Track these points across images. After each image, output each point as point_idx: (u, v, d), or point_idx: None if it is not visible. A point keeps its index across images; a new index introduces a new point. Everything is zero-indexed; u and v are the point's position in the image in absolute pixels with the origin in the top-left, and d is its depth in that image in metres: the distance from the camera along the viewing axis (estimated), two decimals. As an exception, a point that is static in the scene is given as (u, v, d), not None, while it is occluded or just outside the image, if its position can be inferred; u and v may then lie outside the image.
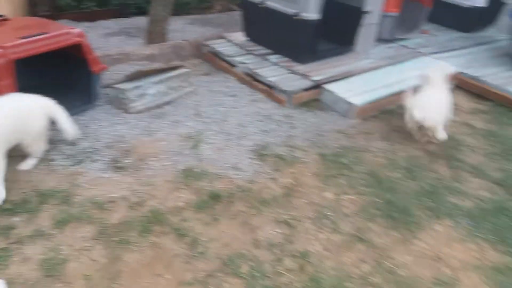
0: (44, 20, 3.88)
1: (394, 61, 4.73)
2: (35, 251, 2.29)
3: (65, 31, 3.40)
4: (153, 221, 2.55)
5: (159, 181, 2.90)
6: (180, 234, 2.49)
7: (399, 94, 4.01)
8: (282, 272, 2.33)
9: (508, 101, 4.30)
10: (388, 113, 4.08)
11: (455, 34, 5.77)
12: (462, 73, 4.63)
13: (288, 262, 2.39)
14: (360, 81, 4.22)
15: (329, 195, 2.95)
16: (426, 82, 3.62)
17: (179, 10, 6.68)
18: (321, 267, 2.38)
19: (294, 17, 4.09)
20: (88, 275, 2.19)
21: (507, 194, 3.13)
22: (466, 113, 4.25)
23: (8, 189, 2.60)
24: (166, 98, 3.86)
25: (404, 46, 5.17)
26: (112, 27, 5.93)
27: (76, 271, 2.21)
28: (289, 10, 4.14)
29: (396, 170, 3.27)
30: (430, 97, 3.50)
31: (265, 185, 2.98)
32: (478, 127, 4.01)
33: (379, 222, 2.75)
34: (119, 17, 6.43)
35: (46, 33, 3.29)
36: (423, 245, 2.62)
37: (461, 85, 4.63)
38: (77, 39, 3.40)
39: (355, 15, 4.40)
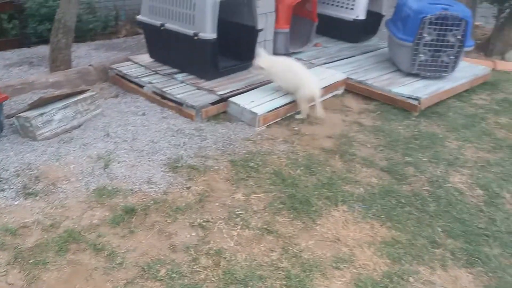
0: None
1: (291, 71, 5.20)
2: None
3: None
4: (69, 240, 2.61)
5: (72, 203, 2.96)
6: (97, 249, 2.58)
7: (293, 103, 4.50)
8: (199, 270, 2.53)
9: (391, 100, 4.95)
10: (288, 118, 4.49)
11: (344, 45, 6.45)
12: (350, 78, 5.23)
13: (204, 261, 2.60)
14: (261, 92, 4.59)
15: (239, 196, 3.22)
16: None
17: (83, 36, 6.65)
18: (234, 260, 2.62)
19: (195, 37, 4.37)
20: (4, 299, 2.20)
21: (393, 179, 3.64)
22: (356, 113, 4.82)
23: None
24: (74, 122, 3.89)
25: (298, 59, 5.67)
26: (12, 57, 5.78)
27: (-9, 298, 2.21)
28: (188, 31, 4.41)
29: (298, 168, 3.64)
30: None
31: (179, 194, 3.17)
32: (367, 124, 4.57)
33: (284, 214, 3.07)
34: (19, 47, 6.24)
35: None
36: (323, 230, 2.97)
37: (350, 88, 5.23)
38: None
39: (251, 33, 4.80)
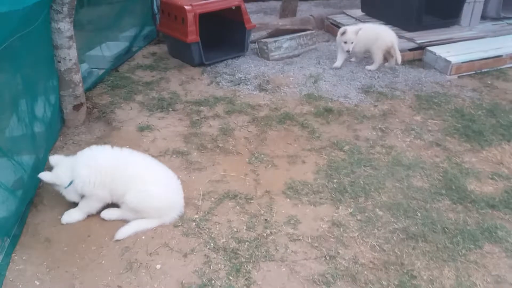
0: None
1: (496, 34, 5.29)
2: (215, 123, 3.68)
3: (229, -3, 4.83)
4: (286, 118, 3.77)
5: (289, 99, 4.12)
6: (303, 126, 3.66)
7: (494, 58, 4.70)
8: (373, 153, 3.34)
9: None
10: (483, 73, 4.73)
11: None
12: None
13: (379, 149, 3.40)
14: (459, 46, 4.93)
15: (418, 118, 3.85)
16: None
17: (306, -6, 7.90)
18: (403, 154, 3.33)
19: (405, -9, 4.98)
20: (247, 137, 3.49)
21: None
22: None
23: (192, 95, 4.07)
24: (296, 52, 5.07)
25: (510, 24, 5.65)
26: (252, 8, 7.39)
27: (240, 135, 3.53)
28: (400, -14, 5.05)
29: (480, 110, 3.99)
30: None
31: (367, 108, 4.00)
32: None
33: (455, 137, 3.57)
34: (256, 1, 7.91)
35: (215, -1, 4.75)
36: (489, 154, 3.37)
37: None
38: (238, 2, 4.79)
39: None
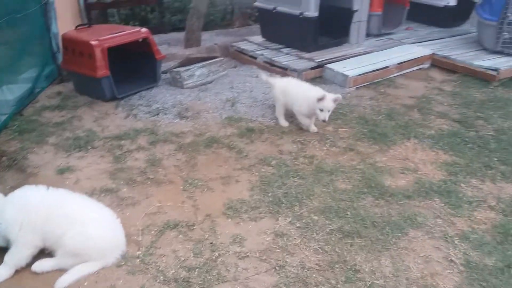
0: (116, 25, 5.33)
1: (381, 48, 6.02)
2: (140, 155, 3.61)
3: (137, 29, 4.82)
4: (212, 141, 3.85)
5: (212, 123, 4.22)
6: (230, 147, 3.78)
7: (383, 69, 5.34)
8: (298, 164, 3.57)
9: (472, 71, 5.51)
10: (376, 83, 5.34)
11: (434, 29, 7.04)
12: (436, 54, 5.88)
13: (302, 159, 3.64)
14: (353, 61, 5.51)
15: (330, 128, 4.21)
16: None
17: (206, 25, 8.16)
18: (324, 162, 3.61)
19: (300, 16, 5.46)
20: (177, 165, 3.49)
21: (462, 127, 4.29)
22: (438, 82, 5.48)
23: (109, 130, 3.95)
24: (208, 78, 5.21)
25: (390, 39, 6.47)
26: (155, 40, 7.38)
27: (169, 163, 3.51)
28: (295, 11, 5.51)
29: (380, 115, 4.50)
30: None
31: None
32: (447, 89, 5.22)
33: (364, 141, 3.97)
34: (158, 33, 7.95)
35: (124, 31, 4.71)
36: (396, 152, 3.81)
37: (436, 63, 5.88)
38: (145, 35, 4.81)
39: (347, 14, 5.75)
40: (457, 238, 2.75)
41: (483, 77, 5.39)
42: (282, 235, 2.77)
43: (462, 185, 3.34)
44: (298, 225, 2.86)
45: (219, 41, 7.38)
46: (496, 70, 5.28)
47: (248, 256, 2.60)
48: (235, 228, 2.82)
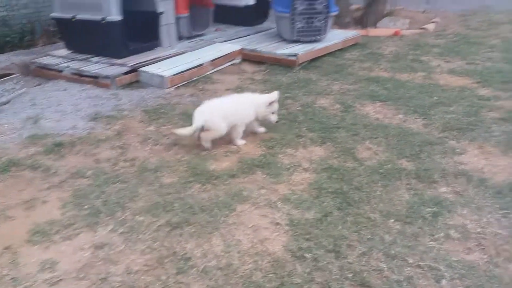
0: None
1: (194, 49, 6.11)
2: None
3: None
4: (9, 165, 3.27)
5: (10, 146, 3.61)
6: (33, 167, 3.28)
7: (197, 67, 5.40)
8: (118, 169, 3.29)
9: (276, 60, 6.00)
10: (194, 82, 5.36)
11: (240, 28, 7.50)
12: (244, 48, 6.23)
13: (122, 164, 3.36)
14: (167, 62, 5.44)
15: (151, 128, 4.02)
16: None
17: (1, 47, 7.10)
18: (147, 161, 3.41)
19: (102, 22, 5.13)
20: (-40, 200, 2.83)
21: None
22: (250, 73, 5.81)
23: None
24: (3, 99, 4.47)
25: (201, 40, 6.63)
26: None
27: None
28: (96, 17, 5.17)
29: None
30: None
31: (100, 133, 3.90)
32: (258, 79, 5.56)
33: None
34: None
35: None
36: (219, 139, 3.83)
37: (246, 57, 6.23)
38: None
39: (153, 17, 5.66)
40: (280, 202, 2.86)
41: (286, 64, 5.92)
42: (103, 245, 2.46)
43: (279, 156, 3.53)
44: (121, 231, 2.59)
45: (18, 61, 6.50)
46: (295, 55, 5.86)
47: (61, 279, 2.23)
48: (44, 254, 2.40)
